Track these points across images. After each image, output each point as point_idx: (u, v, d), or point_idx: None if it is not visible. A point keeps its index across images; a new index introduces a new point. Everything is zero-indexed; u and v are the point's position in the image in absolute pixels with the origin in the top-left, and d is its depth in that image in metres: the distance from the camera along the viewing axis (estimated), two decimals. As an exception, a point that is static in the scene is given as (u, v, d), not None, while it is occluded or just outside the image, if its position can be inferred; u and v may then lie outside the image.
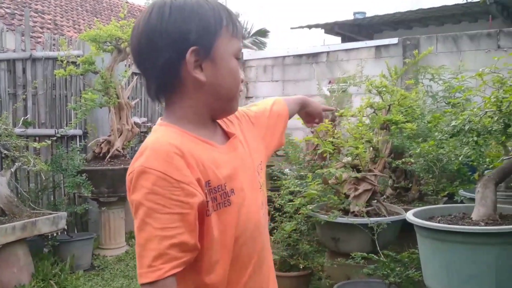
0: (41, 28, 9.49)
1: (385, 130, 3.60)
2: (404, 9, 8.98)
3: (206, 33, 1.02)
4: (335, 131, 3.74)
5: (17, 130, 4.62)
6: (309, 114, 1.60)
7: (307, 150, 4.84)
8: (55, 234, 4.17)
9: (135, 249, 0.98)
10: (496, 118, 2.38)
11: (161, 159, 0.95)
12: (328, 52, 6.84)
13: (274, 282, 1.22)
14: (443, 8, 8.65)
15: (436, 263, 2.37)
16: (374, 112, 3.66)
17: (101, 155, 4.87)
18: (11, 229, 3.65)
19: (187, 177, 0.96)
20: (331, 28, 10.39)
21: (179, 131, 1.03)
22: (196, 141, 1.04)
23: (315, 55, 6.95)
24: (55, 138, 4.96)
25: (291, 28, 13.20)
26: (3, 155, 4.17)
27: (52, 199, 5.14)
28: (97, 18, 11.37)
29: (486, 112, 2.43)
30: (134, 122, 5.17)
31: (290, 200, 3.52)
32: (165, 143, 0.98)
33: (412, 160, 3.73)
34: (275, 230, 3.54)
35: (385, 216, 3.38)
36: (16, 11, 9.36)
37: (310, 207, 3.45)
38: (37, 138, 5.12)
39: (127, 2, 12.95)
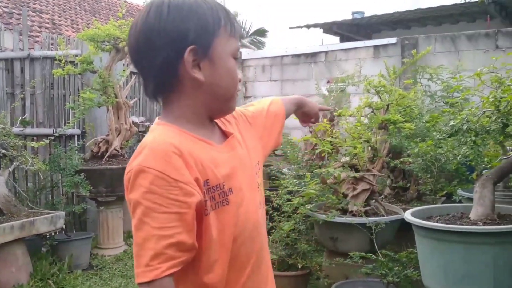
0: (39, 27, 9.47)
1: (383, 130, 3.60)
2: (402, 9, 9.00)
3: (205, 32, 1.02)
4: (334, 130, 3.74)
5: (15, 130, 4.62)
6: (305, 114, 1.60)
7: (306, 149, 4.84)
8: (53, 234, 4.17)
9: (133, 249, 0.98)
10: (494, 118, 2.38)
11: (159, 158, 0.95)
12: (326, 52, 6.85)
13: (272, 282, 1.23)
14: (441, 8, 8.66)
15: (434, 263, 2.37)
16: (372, 111, 3.66)
17: (99, 154, 4.87)
18: (9, 228, 3.64)
19: (185, 176, 0.96)
20: (329, 28, 10.40)
21: (177, 130, 1.03)
22: (195, 140, 1.04)
23: (313, 55, 6.95)
24: (53, 137, 4.95)
25: (290, 28, 13.21)
26: (1, 155, 4.15)
27: (50, 198, 5.13)
28: (95, 17, 11.36)
29: (484, 111, 2.44)
30: (133, 122, 5.17)
31: (289, 200, 3.52)
32: (163, 142, 0.98)
33: (410, 160, 3.73)
34: (274, 230, 3.54)
35: (383, 215, 3.38)
36: (14, 10, 9.34)
37: (309, 207, 3.45)
38: (35, 138, 5.11)
39: (125, 2, 12.93)
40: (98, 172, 4.65)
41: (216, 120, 1.15)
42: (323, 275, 3.47)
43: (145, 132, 5.49)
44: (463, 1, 8.41)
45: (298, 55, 7.09)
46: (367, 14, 10.16)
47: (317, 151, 3.74)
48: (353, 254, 3.03)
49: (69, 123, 4.97)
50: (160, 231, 0.93)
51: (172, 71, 1.02)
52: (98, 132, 5.42)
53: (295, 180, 3.75)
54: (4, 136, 4.09)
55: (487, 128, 2.40)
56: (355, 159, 3.51)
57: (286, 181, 3.72)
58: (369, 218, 3.18)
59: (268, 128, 1.33)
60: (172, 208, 0.93)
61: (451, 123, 2.51)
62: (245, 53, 7.70)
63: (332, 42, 10.43)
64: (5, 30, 5.80)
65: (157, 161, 0.95)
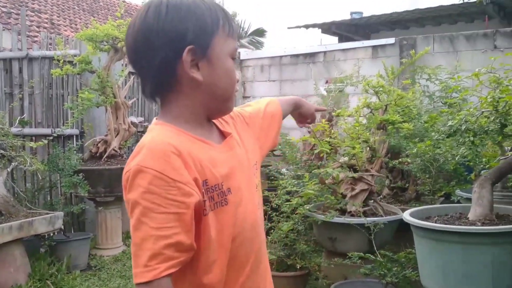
0: (38, 27, 9.46)
1: (382, 130, 3.60)
2: (401, 9, 9.01)
3: (203, 33, 1.02)
4: (332, 131, 3.75)
5: (14, 130, 4.62)
6: (301, 115, 1.61)
7: (304, 150, 4.84)
8: (51, 234, 4.16)
9: (131, 249, 0.97)
10: (492, 118, 2.38)
11: (157, 158, 0.95)
12: (325, 52, 6.85)
13: (271, 282, 1.23)
14: (439, 8, 8.67)
15: (433, 263, 2.37)
16: (371, 112, 3.67)
17: (97, 154, 4.86)
18: (7, 229, 3.63)
19: (184, 176, 0.96)
20: (328, 28, 10.40)
21: (175, 130, 1.03)
22: (193, 140, 1.04)
23: (312, 55, 6.95)
24: (51, 137, 4.94)
25: (288, 28, 13.23)
26: (-1, 155, 4.15)
27: (48, 199, 5.13)
28: (94, 17, 11.35)
29: (483, 112, 2.44)
30: (131, 122, 5.16)
31: (287, 200, 3.52)
32: (161, 142, 0.98)
33: (409, 160, 3.73)
34: (272, 230, 3.54)
35: (382, 216, 3.38)
36: (12, 10, 9.32)
37: (307, 207, 3.46)
38: (33, 138, 5.11)
39: (124, 1, 12.92)
40: (96, 173, 4.64)
41: (214, 120, 1.15)
42: (322, 275, 3.47)
43: (143, 132, 5.48)
44: (461, 1, 8.42)
45: (297, 55, 7.09)
46: (365, 14, 10.16)
47: (316, 151, 3.75)
48: (351, 255, 3.03)
49: (68, 123, 4.96)
50: (158, 231, 0.92)
51: (170, 71, 1.02)
52: (96, 132, 5.41)
53: (293, 181, 3.75)
54: (3, 136, 4.08)
55: (486, 129, 2.40)
56: (354, 159, 3.51)
57: (285, 181, 3.72)
58: (368, 219, 3.18)
59: (265, 129, 1.33)
60: (170, 208, 0.93)
61: (450, 123, 2.51)
62: (243, 53, 7.70)
63: (331, 42, 10.43)
64: (4, 30, 5.79)
65: (155, 161, 0.94)
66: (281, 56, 7.26)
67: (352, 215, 3.33)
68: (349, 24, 10.23)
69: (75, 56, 4.99)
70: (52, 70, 4.88)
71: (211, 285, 1.03)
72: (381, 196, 4.14)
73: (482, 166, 2.74)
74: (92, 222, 5.25)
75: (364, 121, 3.74)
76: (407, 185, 4.14)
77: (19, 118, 4.91)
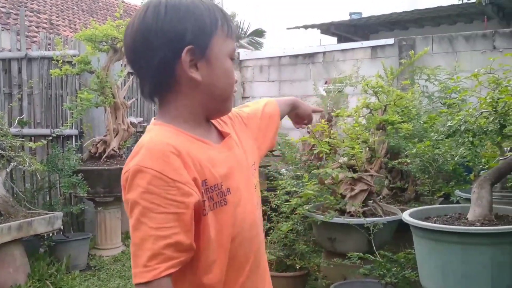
0: (37, 27, 9.45)
1: (381, 131, 3.61)
2: (400, 10, 9.01)
3: (202, 33, 1.03)
4: (331, 131, 3.75)
5: (13, 130, 4.61)
6: (298, 116, 1.61)
7: (304, 150, 4.85)
8: (51, 234, 4.16)
9: (130, 249, 0.97)
10: (491, 119, 2.39)
11: (157, 158, 0.95)
12: (324, 53, 6.85)
13: (270, 283, 1.23)
14: (438, 9, 8.67)
15: (432, 263, 2.37)
16: (370, 112, 3.67)
17: (97, 155, 4.86)
18: (6, 229, 3.63)
19: (183, 176, 0.96)
20: (327, 29, 10.40)
21: (174, 130, 1.03)
22: (192, 140, 1.04)
23: (311, 55, 6.96)
24: (50, 138, 4.94)
25: (287, 28, 13.23)
26: (-2, 155, 4.15)
27: (48, 199, 5.12)
28: (93, 17, 11.34)
29: (482, 112, 2.44)
30: (130, 122, 5.16)
31: (287, 200, 3.52)
32: (160, 142, 0.98)
33: (408, 161, 3.73)
34: (272, 230, 3.54)
35: (381, 216, 3.38)
36: (11, 10, 9.32)
37: (307, 207, 3.46)
38: (32, 138, 5.10)
39: (123, 2, 12.92)
40: (96, 173, 4.64)
41: (212, 121, 1.15)
42: (321, 275, 3.47)
43: (143, 132, 5.47)
44: (460, 2, 8.43)
45: (296, 56, 7.10)
46: (364, 15, 10.16)
47: (315, 151, 3.75)
48: (351, 255, 3.03)
49: (67, 123, 4.96)
50: (157, 232, 0.92)
51: (169, 71, 1.02)
52: (96, 133, 5.41)
53: (293, 181, 3.75)
54: (2, 136, 4.08)
55: (485, 129, 2.40)
56: (353, 159, 3.52)
57: (284, 181, 3.72)
58: (367, 219, 3.18)
59: (263, 130, 1.33)
60: (170, 208, 0.93)
61: (449, 124, 2.52)
62: (243, 54, 7.70)
63: (330, 42, 10.44)
64: (3, 30, 5.78)
65: (155, 161, 0.94)
66: (280, 57, 7.26)
67: (352, 216, 3.33)
68: (348, 24, 10.24)
69: (74, 56, 4.98)
70: (51, 70, 4.87)
71: (211, 285, 1.03)
72: (381, 197, 4.14)
73: (481, 166, 2.74)
74: (91, 222, 5.25)
75: (364, 122, 3.74)
76: (406, 185, 4.15)
77: (18, 118, 4.90)
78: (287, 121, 1.63)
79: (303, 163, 4.63)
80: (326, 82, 6.58)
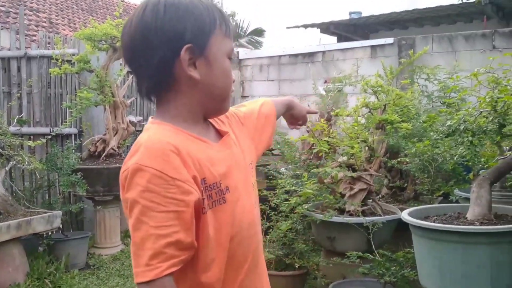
0: (36, 26, 9.44)
1: (380, 130, 3.60)
2: (399, 9, 9.01)
3: (201, 32, 1.03)
4: (331, 130, 3.75)
5: (12, 129, 4.61)
6: (293, 116, 1.61)
7: (303, 149, 4.84)
8: (50, 233, 4.16)
9: (130, 248, 0.97)
10: (491, 118, 2.39)
11: (156, 156, 0.95)
12: (324, 52, 6.85)
13: (267, 282, 1.23)
14: (438, 8, 8.67)
15: (431, 263, 2.38)
16: (369, 111, 3.67)
17: (96, 153, 4.85)
18: (5, 228, 3.63)
19: (183, 174, 0.96)
20: (326, 28, 10.39)
21: (173, 129, 1.03)
22: (191, 139, 1.04)
23: (311, 55, 6.96)
24: (50, 136, 4.94)
25: (287, 28, 13.17)
26: (-3, 154, 4.14)
27: (47, 198, 5.12)
28: (92, 16, 11.34)
29: (481, 112, 2.44)
30: (130, 121, 5.16)
31: (286, 199, 3.52)
32: (158, 141, 0.98)
33: (408, 160, 3.73)
34: (271, 229, 3.54)
35: (380, 215, 3.38)
36: (11, 9, 9.31)
37: (306, 206, 3.46)
38: (31, 137, 5.09)
39: (122, 1, 12.91)
40: (95, 172, 4.64)
41: (209, 120, 1.15)
42: (321, 274, 3.47)
43: (142, 131, 5.48)
44: (460, 2, 8.43)
45: (296, 55, 7.09)
46: (364, 14, 10.15)
47: (315, 150, 3.75)
48: (350, 254, 3.04)
49: (66, 122, 4.96)
50: (158, 230, 0.92)
51: (168, 70, 1.02)
52: (95, 132, 5.40)
53: (292, 180, 3.75)
54: (1, 135, 4.07)
55: (484, 128, 2.40)
56: (353, 159, 3.52)
57: (284, 180, 3.72)
58: (366, 218, 3.19)
59: (259, 130, 1.33)
60: (170, 207, 0.93)
61: (448, 123, 2.52)
62: (242, 53, 7.70)
63: (330, 42, 10.44)
64: (2, 29, 5.78)
65: (154, 160, 0.94)
66: (280, 56, 7.26)
67: (351, 215, 3.34)
68: (348, 24, 10.23)
69: (74, 55, 4.98)
70: (51, 69, 4.87)
71: (210, 284, 1.03)
72: (380, 196, 4.14)
73: (480, 166, 2.74)
74: (90, 221, 5.25)
75: (363, 121, 3.74)
76: (405, 184, 4.15)
77: (17, 117, 4.90)
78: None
79: (302, 162, 4.63)
80: (325, 82, 6.58)
